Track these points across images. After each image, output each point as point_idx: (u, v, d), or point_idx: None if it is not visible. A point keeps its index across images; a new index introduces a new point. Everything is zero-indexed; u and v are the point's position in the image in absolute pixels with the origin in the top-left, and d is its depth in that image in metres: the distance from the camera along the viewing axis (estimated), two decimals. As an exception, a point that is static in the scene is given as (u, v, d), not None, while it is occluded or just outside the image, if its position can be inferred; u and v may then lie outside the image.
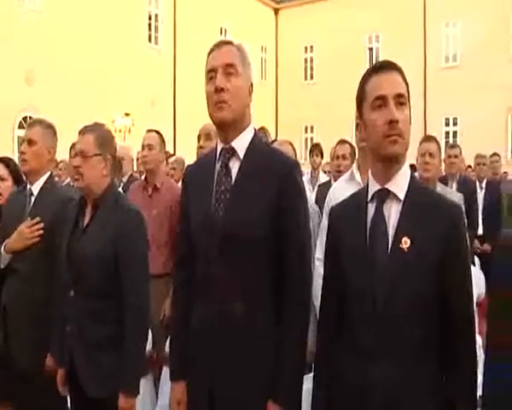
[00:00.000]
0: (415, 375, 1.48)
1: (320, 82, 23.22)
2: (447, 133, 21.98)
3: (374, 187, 1.58)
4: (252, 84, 1.85)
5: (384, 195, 1.56)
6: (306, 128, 24.87)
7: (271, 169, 1.75)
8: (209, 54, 1.84)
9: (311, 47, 24.92)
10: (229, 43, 1.84)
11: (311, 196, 5.40)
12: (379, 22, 22.37)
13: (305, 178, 6.48)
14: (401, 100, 1.53)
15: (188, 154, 6.41)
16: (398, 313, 1.48)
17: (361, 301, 1.53)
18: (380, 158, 1.55)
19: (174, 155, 12.77)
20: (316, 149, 6.12)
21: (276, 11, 25.81)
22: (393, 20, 21.93)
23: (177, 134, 19.26)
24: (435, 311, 1.50)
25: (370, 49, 23.48)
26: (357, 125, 1.62)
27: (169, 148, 16.24)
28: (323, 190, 4.20)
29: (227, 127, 1.79)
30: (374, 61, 22.57)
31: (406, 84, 1.58)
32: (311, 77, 25.03)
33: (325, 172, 6.62)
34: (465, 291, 1.53)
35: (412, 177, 1.59)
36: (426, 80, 22.15)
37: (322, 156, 6.14)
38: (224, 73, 1.75)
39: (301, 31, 24.28)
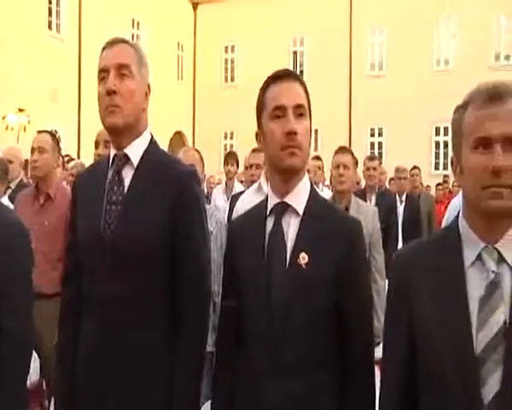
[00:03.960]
0: (313, 391, 1.55)
1: (241, 85, 23.45)
2: (372, 144, 23.02)
3: (273, 200, 1.65)
4: (149, 87, 1.87)
5: (283, 208, 1.62)
6: (226, 134, 25.04)
7: (167, 179, 1.78)
8: (102, 51, 1.84)
9: (233, 47, 25.17)
10: (123, 41, 1.85)
11: (225, 206, 5.48)
12: (305, 25, 23.02)
13: (221, 188, 6.57)
14: (301, 111, 1.60)
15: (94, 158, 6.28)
16: (296, 330, 1.55)
17: (257, 320, 1.58)
18: (278, 170, 1.62)
19: (78, 158, 12.47)
20: (231, 158, 6.22)
21: (195, 6, 25.80)
22: (319, 24, 22.68)
23: (81, 135, 18.67)
24: (334, 327, 1.58)
25: (295, 53, 24.14)
26: (256, 134, 1.68)
27: (72, 150, 15.77)
28: (237, 200, 4.27)
29: (119, 133, 1.80)
30: (298, 66, 23.33)
31: (307, 95, 1.65)
32: (232, 79, 25.27)
33: (241, 182, 6.72)
34: (363, 307, 1.64)
35: (312, 190, 1.67)
36: (351, 88, 23.10)
37: (237, 165, 6.24)
38: (117, 74, 1.76)
39: (222, 29, 24.44)
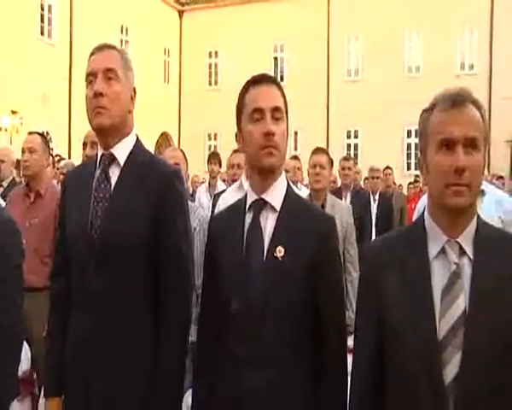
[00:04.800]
0: (289, 379, 1.55)
1: (224, 89, 23.38)
2: (348, 145, 23.18)
3: (251, 197, 1.65)
4: (134, 90, 1.87)
5: (261, 205, 1.63)
6: (210, 135, 24.99)
7: (151, 178, 1.78)
8: (90, 56, 1.84)
9: (216, 52, 25.14)
10: (111, 47, 1.85)
11: (208, 204, 5.48)
12: (285, 33, 23.10)
13: (204, 187, 6.56)
14: (278, 113, 1.60)
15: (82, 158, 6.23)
16: (273, 320, 1.55)
17: (236, 309, 1.58)
18: (256, 169, 1.63)
19: (69, 158, 12.34)
20: (214, 158, 6.22)
21: (181, 13, 25.74)
22: (299, 32, 22.75)
23: (72, 136, 18.48)
24: (309, 319, 1.59)
25: (275, 59, 24.19)
26: (236, 135, 1.69)
27: (63, 151, 15.60)
28: (220, 198, 4.27)
29: (106, 133, 1.80)
30: (279, 71, 23.39)
31: (284, 98, 1.66)
32: (216, 83, 25.23)
33: (224, 181, 6.72)
34: (336, 298, 1.64)
35: (288, 188, 1.68)
36: (329, 92, 23.22)
37: (220, 165, 6.25)
38: (104, 77, 1.76)
39: (206, 35, 24.38)
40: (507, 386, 1.30)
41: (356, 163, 7.26)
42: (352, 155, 20.41)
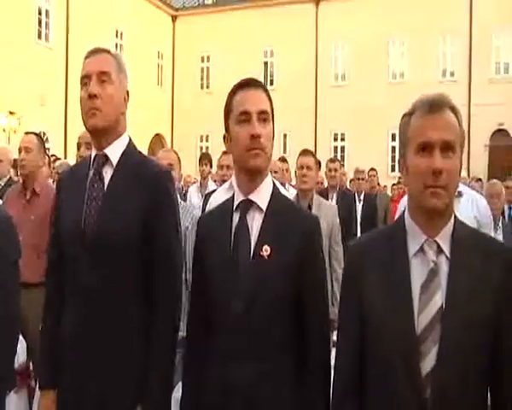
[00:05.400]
0: (278, 374, 1.55)
1: (216, 92, 23.36)
2: (335, 148, 23.26)
3: (239, 197, 1.65)
4: (128, 93, 1.87)
5: (247, 205, 1.63)
6: (202, 137, 24.95)
7: (143, 178, 1.78)
8: (85, 59, 1.83)
9: (208, 57, 25.12)
10: (105, 50, 1.85)
11: (199, 203, 5.46)
12: (275, 38, 23.14)
13: (196, 187, 6.54)
14: (264, 116, 1.61)
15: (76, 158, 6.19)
16: (260, 317, 1.55)
17: (224, 306, 1.58)
18: (243, 170, 1.63)
19: (65, 158, 12.28)
20: (205, 159, 6.21)
21: (174, 18, 25.70)
22: (288, 38, 22.82)
23: (68, 136, 18.37)
24: (295, 316, 1.59)
25: (265, 64, 24.21)
26: (224, 137, 1.69)
27: (59, 151, 15.50)
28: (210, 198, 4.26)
29: (100, 134, 1.79)
30: (269, 75, 23.43)
31: (270, 101, 1.66)
32: (208, 86, 25.19)
33: (215, 181, 6.71)
34: (320, 297, 1.64)
35: (274, 189, 1.68)
36: (317, 96, 23.29)
37: (211, 166, 6.24)
38: (98, 80, 1.76)
39: (199, 40, 24.36)
40: (481, 379, 1.32)
41: (342, 165, 7.29)
42: (339, 157, 20.41)
